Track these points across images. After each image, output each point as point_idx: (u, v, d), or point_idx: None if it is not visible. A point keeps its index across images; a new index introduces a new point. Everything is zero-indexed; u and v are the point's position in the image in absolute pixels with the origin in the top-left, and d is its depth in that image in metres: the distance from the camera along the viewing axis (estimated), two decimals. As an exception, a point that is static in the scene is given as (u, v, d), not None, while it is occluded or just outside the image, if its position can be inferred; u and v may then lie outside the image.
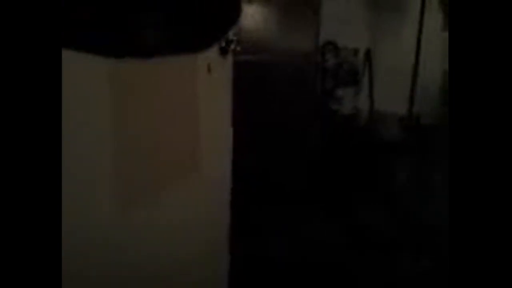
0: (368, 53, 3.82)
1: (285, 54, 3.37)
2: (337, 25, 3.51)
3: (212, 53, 2.07)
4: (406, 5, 3.87)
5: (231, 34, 2.07)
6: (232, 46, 2.08)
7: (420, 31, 3.66)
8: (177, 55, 1.74)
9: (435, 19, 3.90)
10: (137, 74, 1.66)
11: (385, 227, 3.71)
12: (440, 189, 3.97)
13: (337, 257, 3.42)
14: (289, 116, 3.36)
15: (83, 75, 1.36)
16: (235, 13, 1.90)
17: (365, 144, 3.80)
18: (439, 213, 3.87)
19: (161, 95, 1.82)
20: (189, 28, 1.69)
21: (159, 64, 1.69)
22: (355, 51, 3.76)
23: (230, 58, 2.09)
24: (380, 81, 3.90)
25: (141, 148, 1.74)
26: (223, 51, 2.10)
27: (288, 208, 3.44)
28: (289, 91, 3.36)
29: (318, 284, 3.29)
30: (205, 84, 2.05)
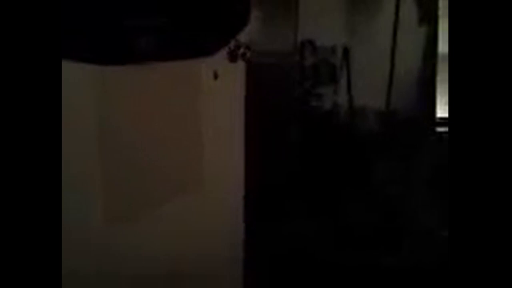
0: (345, 50, 3.84)
1: (264, 54, 3.37)
2: (314, 24, 3.52)
3: (220, 58, 2.01)
4: (381, 1, 3.91)
5: (240, 38, 2.00)
6: (241, 51, 2.02)
7: (395, 25, 3.70)
8: (178, 60, 1.67)
9: (410, 13, 3.94)
10: (133, 81, 1.59)
11: (367, 222, 3.76)
12: (420, 182, 4.03)
13: (319, 252, 3.45)
14: (269, 115, 3.36)
15: (75, 83, 1.31)
16: (243, 14, 1.80)
17: (345, 139, 3.83)
18: (420, 206, 3.94)
19: (160, 104, 1.75)
20: (191, 32, 1.60)
21: (157, 71, 1.62)
22: (333, 49, 3.78)
23: (241, 64, 2.03)
24: (359, 77, 3.93)
25: (137, 160, 1.67)
26: (232, 57, 2.02)
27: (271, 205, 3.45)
28: (269, 90, 3.37)
29: (303, 281, 3.31)
30: (211, 91, 1.98)
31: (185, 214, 1.89)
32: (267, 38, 3.36)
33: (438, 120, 4.39)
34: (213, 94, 1.97)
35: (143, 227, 1.73)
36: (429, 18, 4.04)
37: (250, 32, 3.35)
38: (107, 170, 1.55)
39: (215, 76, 1.96)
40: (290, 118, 3.49)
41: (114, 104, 1.55)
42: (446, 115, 4.48)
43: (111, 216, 1.60)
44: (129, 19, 1.39)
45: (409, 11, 3.88)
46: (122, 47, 1.43)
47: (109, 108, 1.54)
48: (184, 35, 1.57)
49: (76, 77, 1.35)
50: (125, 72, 1.47)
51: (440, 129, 4.42)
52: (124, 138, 1.60)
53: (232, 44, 1.94)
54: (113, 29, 1.35)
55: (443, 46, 4.20)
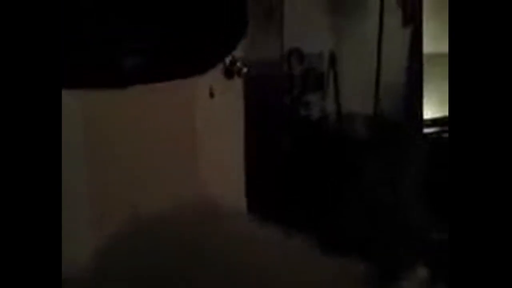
0: (332, 56, 3.84)
1: (251, 65, 3.33)
2: (300, 32, 3.51)
3: (215, 75, 1.94)
4: (365, 4, 3.91)
5: (236, 52, 1.94)
6: (238, 66, 1.96)
7: (380, 29, 3.70)
8: (170, 80, 1.60)
9: (394, 16, 3.95)
10: (123, 102, 1.53)
11: (359, 228, 3.75)
12: (411, 185, 4.03)
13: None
14: (260, 125, 3.33)
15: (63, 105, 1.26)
16: (239, 25, 1.68)
17: (335, 146, 3.83)
18: (412, 211, 3.94)
19: (150, 127, 1.67)
20: (184, 49, 1.53)
21: (147, 91, 1.56)
22: (320, 56, 3.77)
23: (239, 80, 1.96)
24: (346, 82, 3.93)
25: (128, 189, 1.59)
26: (228, 73, 1.96)
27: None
28: (258, 101, 3.33)
29: None
30: (207, 111, 1.91)
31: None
32: (253, 49, 3.33)
33: (425, 122, 4.41)
34: (210, 113, 1.88)
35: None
36: (413, 19, 4.06)
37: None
38: (97, 191, 1.48)
39: (211, 94, 1.87)
40: (281, 128, 3.47)
41: (104, 126, 1.48)
42: (433, 116, 4.52)
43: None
44: (114, 40, 1.29)
45: (393, 14, 3.89)
46: (107, 70, 1.33)
47: (99, 131, 1.46)
48: (176, 53, 1.44)
49: (64, 99, 1.27)
50: (114, 92, 1.38)
51: (427, 130, 4.44)
52: (115, 161, 1.53)
53: (227, 60, 1.85)
54: (97, 52, 1.26)
55: (427, 47, 4.23)
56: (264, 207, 2.69)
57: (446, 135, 4.28)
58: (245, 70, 1.88)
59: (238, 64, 1.87)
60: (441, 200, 4.00)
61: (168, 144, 1.73)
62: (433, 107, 4.45)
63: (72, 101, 1.32)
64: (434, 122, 4.42)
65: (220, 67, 1.86)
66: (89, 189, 1.43)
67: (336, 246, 3.14)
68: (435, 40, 4.12)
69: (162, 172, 1.70)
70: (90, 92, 1.27)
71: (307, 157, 3.67)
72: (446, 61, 4.06)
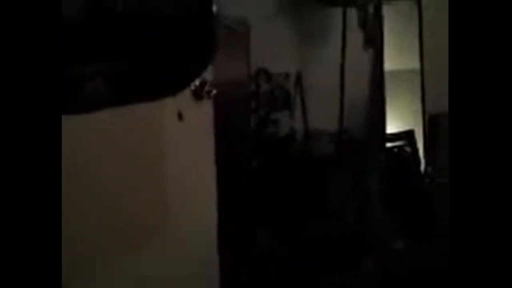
0: (298, 76, 3.97)
1: (219, 85, 3.43)
2: (266, 53, 3.62)
3: (184, 97, 1.96)
4: (329, 28, 4.06)
5: (204, 75, 1.96)
6: (206, 89, 2.04)
7: (343, 50, 3.85)
8: (137, 103, 1.60)
9: (356, 38, 4.11)
10: (89, 126, 1.51)
11: (327, 240, 3.86)
12: (374, 198, 4.15)
13: (283, 271, 3.53)
14: (229, 144, 3.41)
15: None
16: (209, 48, 1.68)
17: (302, 162, 3.94)
18: (376, 220, 4.06)
19: (119, 150, 1.66)
20: (150, 70, 1.51)
21: (115, 114, 1.53)
22: (286, 76, 3.89)
23: (208, 102, 2.02)
24: (312, 101, 4.06)
25: (95, 209, 1.58)
26: (197, 95, 2.02)
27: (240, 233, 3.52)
28: (226, 120, 3.43)
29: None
30: (175, 133, 1.90)
31: (149, 258, 1.81)
32: (221, 69, 3.45)
33: (388, 136, 4.56)
34: (179, 134, 1.91)
35: (109, 276, 1.67)
36: (374, 40, 4.23)
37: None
38: (66, 219, 1.49)
39: (180, 116, 1.90)
40: (250, 146, 3.57)
41: (71, 150, 1.49)
42: (395, 130, 4.66)
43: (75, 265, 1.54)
44: (75, 66, 1.27)
45: (355, 36, 4.04)
46: (68, 96, 1.30)
47: (67, 154, 1.47)
48: (144, 76, 1.41)
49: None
50: (80, 116, 1.37)
51: (390, 145, 4.58)
52: (84, 183, 1.55)
53: (196, 82, 1.90)
54: (61, 77, 1.24)
55: (389, 65, 4.39)
56: (235, 223, 2.77)
57: (408, 148, 4.43)
58: (214, 92, 1.94)
59: (207, 86, 1.93)
60: (402, 211, 4.16)
61: (138, 165, 1.75)
62: (396, 122, 4.60)
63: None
64: (397, 136, 4.55)
65: (189, 89, 1.90)
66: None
67: (304, 254, 3.25)
68: (396, 57, 4.28)
69: (131, 195, 1.72)
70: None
71: (275, 172, 3.76)
72: (407, 77, 4.23)
